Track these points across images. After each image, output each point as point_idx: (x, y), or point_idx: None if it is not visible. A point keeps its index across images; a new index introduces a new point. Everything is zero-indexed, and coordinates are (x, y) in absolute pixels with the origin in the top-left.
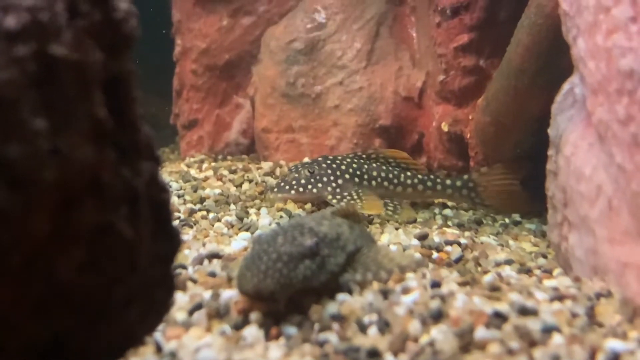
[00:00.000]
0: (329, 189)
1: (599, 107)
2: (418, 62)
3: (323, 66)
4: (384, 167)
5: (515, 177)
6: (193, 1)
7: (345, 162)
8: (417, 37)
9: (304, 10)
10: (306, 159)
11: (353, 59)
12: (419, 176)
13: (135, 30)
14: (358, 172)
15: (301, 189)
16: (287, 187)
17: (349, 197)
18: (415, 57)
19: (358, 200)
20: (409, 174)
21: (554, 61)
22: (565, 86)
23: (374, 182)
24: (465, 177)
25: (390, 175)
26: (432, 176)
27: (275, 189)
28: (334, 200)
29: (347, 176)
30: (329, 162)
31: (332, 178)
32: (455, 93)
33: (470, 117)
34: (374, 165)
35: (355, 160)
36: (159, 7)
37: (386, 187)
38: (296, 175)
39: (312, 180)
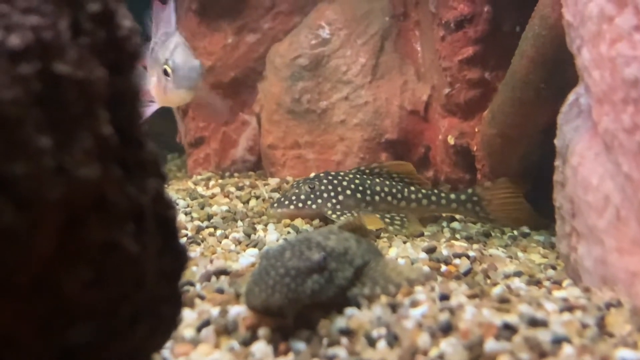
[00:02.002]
0: (329, 204)
1: (605, 116)
2: (423, 76)
3: (328, 82)
4: (387, 182)
5: (520, 190)
6: (198, 20)
7: (347, 178)
8: (422, 51)
9: (308, 26)
10: (313, 175)
11: (358, 74)
12: (423, 191)
13: (138, 48)
14: (360, 188)
15: (300, 205)
16: (286, 203)
17: (348, 214)
18: (420, 71)
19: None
20: (412, 188)
21: (558, 72)
22: (571, 96)
23: (377, 197)
24: (470, 191)
25: (394, 190)
26: (436, 190)
27: (275, 205)
28: (334, 216)
29: (348, 192)
30: (330, 177)
31: (332, 194)
32: (460, 106)
33: (476, 130)
34: (377, 180)
35: (358, 176)
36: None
37: (390, 202)
38: (296, 190)
39: (312, 196)
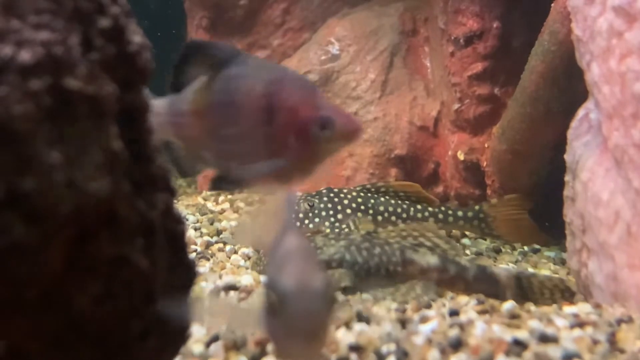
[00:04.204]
0: (327, 223)
1: (615, 131)
2: (432, 92)
3: (337, 97)
4: (392, 201)
5: (525, 208)
6: (208, 37)
7: (349, 196)
8: (431, 67)
9: (317, 42)
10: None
11: (367, 90)
12: (429, 209)
13: (149, 63)
14: (362, 207)
15: (298, 223)
16: None
17: (346, 228)
18: (430, 86)
19: (354, 228)
20: (419, 207)
21: (568, 87)
22: (580, 112)
23: (379, 217)
24: (477, 207)
25: (399, 209)
26: (442, 208)
27: None
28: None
29: (348, 211)
30: (331, 195)
31: (331, 212)
32: (470, 121)
33: (486, 146)
34: (382, 199)
35: (362, 194)
36: (175, 42)
37: (394, 221)
38: (296, 208)
39: (311, 214)
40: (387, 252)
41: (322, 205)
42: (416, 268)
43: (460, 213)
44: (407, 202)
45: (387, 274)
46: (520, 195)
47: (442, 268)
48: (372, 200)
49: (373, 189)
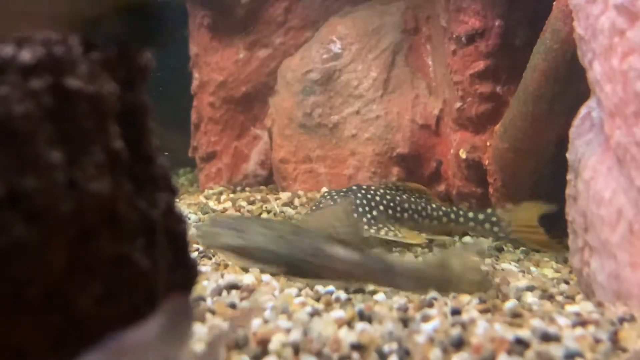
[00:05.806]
0: (364, 219)
1: (617, 130)
2: (434, 90)
3: (339, 96)
4: (413, 199)
5: (537, 214)
6: (210, 35)
7: (379, 193)
8: (433, 66)
9: (319, 41)
10: (324, 189)
11: (369, 88)
12: (443, 208)
13: (149, 62)
14: (391, 204)
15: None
16: None
17: (386, 229)
18: (432, 85)
19: (397, 232)
20: (434, 206)
21: (570, 86)
22: (583, 110)
23: (405, 215)
24: (489, 211)
25: (419, 208)
26: (454, 209)
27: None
28: (372, 231)
29: (381, 207)
30: (363, 191)
31: (367, 209)
32: (472, 120)
33: (488, 144)
34: (404, 197)
35: (388, 192)
36: (176, 42)
37: (416, 219)
38: (331, 203)
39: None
40: (302, 244)
41: (357, 202)
42: (331, 261)
43: (471, 215)
44: (423, 201)
45: (304, 265)
46: (535, 204)
47: (356, 262)
48: (398, 198)
49: (393, 186)
